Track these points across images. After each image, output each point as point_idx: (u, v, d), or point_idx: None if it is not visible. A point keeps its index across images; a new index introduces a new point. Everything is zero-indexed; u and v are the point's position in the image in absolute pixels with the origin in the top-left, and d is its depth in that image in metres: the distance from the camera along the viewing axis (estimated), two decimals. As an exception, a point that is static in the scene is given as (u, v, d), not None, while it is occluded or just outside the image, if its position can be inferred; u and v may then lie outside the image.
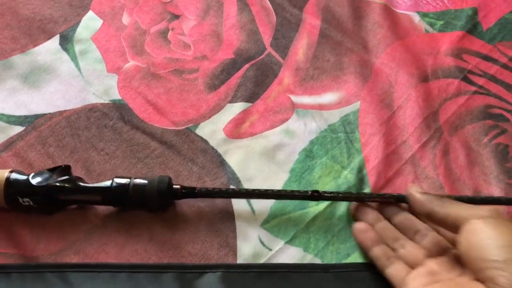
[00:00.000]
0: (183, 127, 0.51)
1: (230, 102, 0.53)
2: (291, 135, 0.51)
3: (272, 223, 0.45)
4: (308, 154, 0.50)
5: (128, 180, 0.42)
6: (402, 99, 0.55)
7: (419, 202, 0.40)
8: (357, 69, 0.57)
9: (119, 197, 0.41)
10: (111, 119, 0.51)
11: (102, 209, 0.44)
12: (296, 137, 0.51)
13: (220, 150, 0.49)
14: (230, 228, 0.44)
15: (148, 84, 0.54)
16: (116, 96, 0.53)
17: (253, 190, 0.44)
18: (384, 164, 0.50)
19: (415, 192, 0.41)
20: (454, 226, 0.36)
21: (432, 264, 0.38)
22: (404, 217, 0.42)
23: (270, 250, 0.43)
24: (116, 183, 0.42)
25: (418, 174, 0.49)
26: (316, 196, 0.43)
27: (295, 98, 0.54)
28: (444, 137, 0.52)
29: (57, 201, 0.42)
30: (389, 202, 0.44)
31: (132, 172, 0.47)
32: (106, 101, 0.52)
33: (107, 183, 0.42)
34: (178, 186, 0.42)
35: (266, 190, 0.43)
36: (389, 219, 0.43)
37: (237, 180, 0.47)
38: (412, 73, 0.57)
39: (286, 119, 0.53)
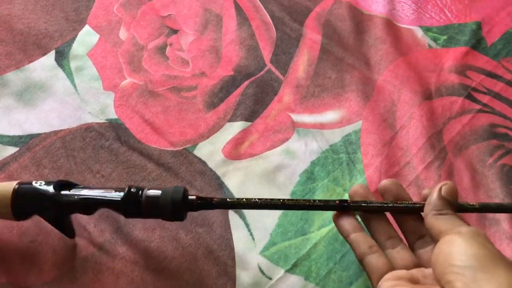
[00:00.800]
0: (181, 148, 0.50)
1: (230, 121, 0.52)
2: (291, 155, 0.50)
3: (272, 250, 0.43)
4: (309, 176, 0.49)
5: (141, 190, 0.39)
6: (405, 118, 0.54)
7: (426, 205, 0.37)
8: (359, 86, 0.56)
9: (131, 208, 0.39)
10: (107, 140, 0.49)
11: (97, 235, 0.43)
12: (296, 157, 0.50)
13: (218, 172, 0.48)
14: (229, 255, 0.43)
15: (146, 102, 0.53)
16: (113, 115, 0.51)
17: (278, 199, 0.39)
18: (387, 186, 0.48)
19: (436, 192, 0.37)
20: (435, 239, 0.34)
21: (418, 273, 0.35)
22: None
23: (270, 279, 0.42)
24: (128, 193, 0.39)
25: (423, 196, 0.48)
26: (345, 206, 0.39)
27: (296, 117, 0.53)
28: (448, 157, 0.51)
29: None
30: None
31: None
32: (102, 121, 0.51)
33: (118, 194, 0.39)
34: (193, 197, 0.39)
35: (291, 200, 0.40)
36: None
37: (236, 204, 0.46)
38: (416, 91, 0.56)
39: (287, 139, 0.51)
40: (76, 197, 0.39)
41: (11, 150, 0.48)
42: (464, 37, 0.60)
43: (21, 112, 0.51)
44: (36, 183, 0.39)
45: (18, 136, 0.49)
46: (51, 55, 0.56)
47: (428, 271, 0.35)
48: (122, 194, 0.38)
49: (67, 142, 0.49)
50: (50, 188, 0.39)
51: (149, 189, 0.39)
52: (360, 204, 0.39)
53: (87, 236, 0.43)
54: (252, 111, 0.53)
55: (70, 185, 0.40)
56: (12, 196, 0.38)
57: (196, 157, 0.49)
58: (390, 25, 0.61)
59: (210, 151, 0.49)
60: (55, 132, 0.50)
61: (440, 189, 0.37)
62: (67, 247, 0.42)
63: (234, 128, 0.51)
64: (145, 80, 0.55)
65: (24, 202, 0.39)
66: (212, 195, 0.46)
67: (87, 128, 0.50)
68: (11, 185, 0.39)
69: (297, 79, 0.56)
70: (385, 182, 0.40)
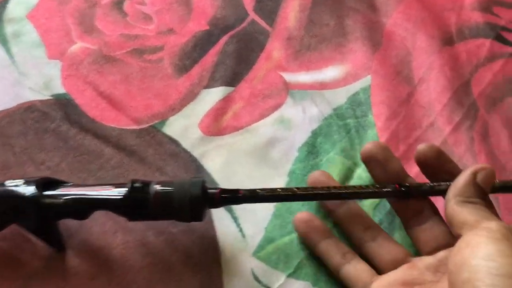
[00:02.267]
0: (147, 125, 0.39)
1: (207, 87, 0.42)
2: (287, 125, 0.40)
3: (269, 250, 0.34)
4: (311, 149, 0.39)
5: (147, 185, 0.30)
6: (423, 69, 0.44)
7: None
8: (364, 33, 0.45)
9: (135, 208, 0.30)
10: (53, 121, 0.39)
11: (42, 246, 0.33)
12: (293, 128, 0.40)
13: (195, 153, 0.38)
14: (214, 260, 0.33)
15: (100, 70, 0.42)
16: (59, 89, 0.41)
17: (323, 188, 0.31)
18: (409, 156, 0.38)
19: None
20: (456, 231, 0.27)
21: (411, 270, 0.29)
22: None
23: (268, 287, 0.32)
24: (132, 190, 0.30)
25: (453, 166, 0.38)
26: (405, 191, 0.31)
27: (289, 77, 0.43)
28: (480, 114, 0.41)
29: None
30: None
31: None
32: (47, 97, 0.41)
33: (118, 191, 0.31)
34: (215, 190, 0.31)
35: (335, 188, 0.31)
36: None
37: (220, 193, 0.36)
38: (433, 35, 0.46)
39: (279, 105, 0.41)
40: (64, 198, 0.31)
41: None
42: (487, -34, 0.49)
43: None
44: (10, 183, 0.31)
45: None
46: (-19, 19, 0.45)
47: (427, 260, 0.29)
48: (123, 191, 0.30)
49: (2, 127, 0.39)
50: (30, 189, 0.30)
51: (157, 183, 0.31)
52: (422, 188, 0.31)
53: (30, 248, 0.33)
54: (234, 73, 0.42)
55: (55, 184, 0.32)
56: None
57: (166, 135, 0.39)
58: (397, -43, 0.50)
59: (184, 127, 0.39)
60: (-13, 116, 0.39)
61: (476, 174, 0.28)
62: (6, 261, 0.33)
63: (212, 95, 0.41)
64: (99, 43, 0.44)
65: None
66: (189, 183, 0.37)
67: (28, 108, 0.40)
68: None
69: (288, 29, 0.46)
70: (368, 145, 0.32)
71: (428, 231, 0.31)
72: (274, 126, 0.40)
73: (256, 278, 0.33)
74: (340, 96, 0.42)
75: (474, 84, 0.43)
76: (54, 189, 0.31)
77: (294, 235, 0.35)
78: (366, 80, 0.43)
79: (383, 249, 0.31)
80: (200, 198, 0.30)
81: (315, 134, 0.40)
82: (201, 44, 0.44)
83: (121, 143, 0.38)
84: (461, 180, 0.28)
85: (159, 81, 0.42)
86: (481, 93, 0.43)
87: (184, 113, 0.40)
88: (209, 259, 0.33)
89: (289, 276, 0.33)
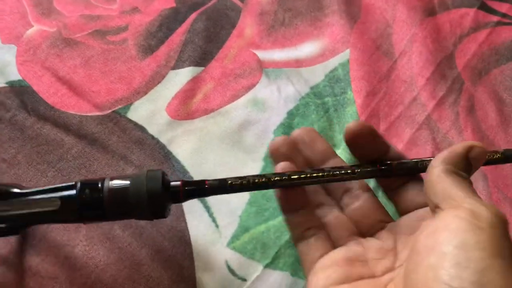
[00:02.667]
0: (110, 111, 0.37)
1: (174, 68, 0.39)
2: (261, 106, 0.37)
3: (244, 239, 0.32)
4: (287, 131, 0.36)
5: (101, 182, 0.27)
6: (404, 42, 0.41)
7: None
8: (341, 6, 0.43)
9: (88, 210, 0.26)
10: (9, 110, 0.36)
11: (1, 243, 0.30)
12: (268, 109, 0.37)
13: (163, 139, 0.35)
14: (185, 254, 0.31)
15: (60, 54, 0.39)
16: (15, 76, 0.38)
17: (302, 172, 0.27)
18: (391, 133, 0.36)
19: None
20: (433, 203, 0.24)
21: (354, 248, 0.27)
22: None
23: (244, 280, 0.30)
24: (82, 189, 0.26)
25: (439, 142, 0.36)
26: (386, 169, 0.27)
27: (263, 54, 0.40)
28: (466, 88, 0.39)
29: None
30: None
31: (41, 184, 0.33)
32: (1, 85, 0.38)
33: (68, 193, 0.27)
34: (178, 183, 0.27)
35: (313, 171, 0.28)
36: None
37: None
38: (414, 6, 0.43)
39: (253, 85, 0.39)
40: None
41: None
42: None
43: None
44: None
45: None
46: None
47: (372, 239, 0.27)
48: (73, 190, 0.26)
49: (-48, 118, 0.36)
50: None
51: (112, 179, 0.27)
52: (405, 165, 0.27)
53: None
54: (203, 52, 0.40)
55: None
56: None
57: (131, 121, 0.36)
58: None
59: (150, 111, 0.37)
60: None
61: (470, 149, 0.25)
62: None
63: (180, 77, 0.38)
64: (58, 26, 0.41)
65: None
66: (157, 171, 0.34)
67: (-19, 97, 0.37)
68: None
69: (260, 3, 0.43)
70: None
71: (360, 211, 0.28)
72: (247, 108, 0.37)
73: (231, 271, 0.30)
74: (317, 73, 0.40)
75: (458, 56, 0.41)
76: None
77: (271, 223, 0.32)
78: (344, 55, 0.40)
79: (338, 223, 0.28)
80: (160, 193, 0.26)
81: (291, 114, 0.37)
82: (168, 23, 0.41)
83: (83, 131, 0.35)
84: (455, 149, 0.25)
85: (123, 63, 0.39)
86: (466, 65, 0.41)
87: (150, 97, 0.37)
88: (180, 253, 0.31)
89: (267, 266, 0.31)
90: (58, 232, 0.31)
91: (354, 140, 0.27)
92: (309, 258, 0.27)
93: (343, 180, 0.28)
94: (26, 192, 0.27)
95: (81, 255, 0.31)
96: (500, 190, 0.34)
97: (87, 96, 0.37)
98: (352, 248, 0.26)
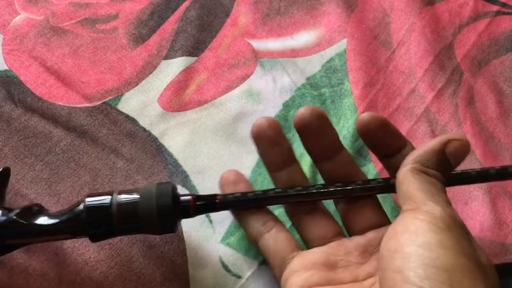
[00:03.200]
0: (100, 102, 0.35)
1: (166, 58, 0.38)
2: (256, 98, 0.36)
3: (239, 236, 0.31)
4: (283, 124, 0.35)
5: (109, 197, 0.26)
6: (402, 32, 0.40)
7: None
8: (338, -6, 0.42)
9: (98, 227, 0.26)
10: (-5, 101, 0.35)
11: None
12: (263, 100, 0.36)
13: (155, 132, 0.34)
14: (178, 250, 0.30)
15: (48, 43, 0.38)
16: (1, 65, 0.37)
17: (309, 187, 0.27)
18: (389, 126, 0.35)
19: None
20: (400, 203, 0.23)
21: (336, 249, 0.26)
22: None
23: (239, 277, 0.29)
24: (90, 206, 0.25)
25: (438, 134, 0.35)
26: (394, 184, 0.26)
27: (258, 44, 0.39)
28: (465, 79, 0.38)
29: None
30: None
31: (28, 178, 0.32)
32: (-13, 75, 0.36)
33: (75, 210, 0.26)
34: (188, 197, 0.26)
35: (328, 186, 0.27)
36: None
37: (183, 174, 0.33)
38: (413, -6, 0.42)
39: (248, 76, 0.37)
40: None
41: None
42: None
43: None
44: None
45: None
46: None
47: (356, 240, 0.26)
48: (80, 206, 0.26)
49: None
50: None
51: (120, 193, 0.26)
52: None
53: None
54: (196, 41, 0.38)
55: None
56: None
57: (122, 113, 0.35)
58: None
59: (141, 103, 0.35)
60: None
61: (447, 143, 0.24)
62: None
63: (173, 67, 0.37)
64: (46, 14, 0.39)
65: None
66: (149, 165, 0.33)
67: (-35, 88, 0.36)
68: None
69: (255, -8, 0.42)
70: (301, 110, 0.27)
71: (359, 210, 0.27)
72: (242, 99, 0.36)
73: (225, 267, 0.30)
74: (314, 64, 0.39)
75: (457, 47, 0.40)
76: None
77: (266, 218, 0.31)
78: (341, 44, 0.39)
79: (314, 223, 0.27)
80: (170, 209, 0.25)
81: (287, 106, 0.36)
82: (159, 11, 0.40)
83: (71, 123, 0.34)
84: (431, 145, 0.24)
85: (113, 53, 0.38)
86: (465, 56, 0.40)
87: (141, 88, 0.36)
88: (173, 249, 0.30)
89: (262, 263, 0.30)
90: (47, 228, 0.30)
91: (367, 132, 0.26)
92: (279, 254, 0.26)
93: (356, 194, 0.27)
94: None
95: (70, 252, 0.30)
96: (500, 184, 0.33)
97: (76, 87, 0.36)
98: (334, 251, 0.25)
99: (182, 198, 0.26)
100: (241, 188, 0.28)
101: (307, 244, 0.27)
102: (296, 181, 0.27)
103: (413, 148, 0.27)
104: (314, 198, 0.27)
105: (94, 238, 0.26)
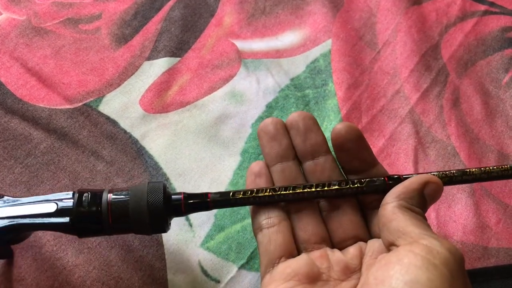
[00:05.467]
0: (81, 104, 0.35)
1: (149, 58, 0.37)
2: (239, 99, 0.36)
3: (218, 239, 0.30)
4: (265, 125, 0.35)
5: (99, 195, 0.25)
6: (388, 32, 0.40)
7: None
8: (324, -6, 0.41)
9: (85, 224, 0.25)
10: (-26, 103, 0.35)
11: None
12: (246, 102, 0.36)
13: (136, 134, 0.34)
14: (157, 254, 0.30)
15: (29, 44, 0.38)
16: (-18, 66, 0.36)
17: (301, 186, 0.26)
18: (373, 127, 0.35)
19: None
20: (387, 238, 0.23)
21: (319, 262, 0.25)
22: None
23: (218, 282, 0.29)
24: (79, 203, 0.25)
25: (422, 137, 0.35)
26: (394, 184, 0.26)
27: (242, 44, 0.39)
28: (451, 80, 0.38)
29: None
30: None
31: (7, 181, 0.32)
32: (-33, 76, 0.36)
33: (64, 204, 0.26)
34: (179, 196, 0.26)
35: (319, 185, 0.26)
36: None
37: (163, 177, 0.32)
38: (399, -7, 0.42)
39: (231, 77, 0.37)
40: None
41: None
42: None
43: None
44: None
45: None
46: None
47: (338, 255, 0.25)
48: (70, 201, 0.25)
49: None
50: None
51: (110, 192, 0.25)
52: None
53: None
54: (179, 41, 0.38)
55: None
56: None
57: (103, 114, 0.35)
58: None
59: (123, 104, 0.35)
60: None
61: (425, 185, 0.24)
62: None
63: (155, 68, 0.37)
64: (28, 14, 0.39)
65: None
66: (129, 168, 0.33)
67: None
68: None
69: (240, -9, 0.41)
70: (294, 115, 0.27)
71: (337, 220, 0.26)
72: (225, 101, 0.36)
73: (204, 272, 0.29)
74: (298, 65, 0.38)
75: (444, 47, 0.40)
76: None
77: (247, 221, 0.31)
78: (326, 45, 0.39)
79: (299, 225, 0.26)
80: (161, 208, 0.25)
81: (270, 107, 0.36)
82: (143, 11, 0.40)
83: (52, 125, 0.34)
84: (411, 184, 0.24)
85: (95, 53, 0.37)
86: (452, 56, 0.39)
87: (123, 89, 0.36)
88: (152, 253, 0.30)
89: (241, 267, 0.30)
90: (25, 231, 0.30)
91: (341, 143, 0.26)
92: (268, 256, 0.25)
93: (351, 195, 0.26)
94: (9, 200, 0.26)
95: (48, 256, 0.30)
96: (483, 187, 0.33)
97: (57, 88, 0.36)
98: (317, 262, 0.25)
99: (173, 196, 0.26)
100: (261, 182, 0.27)
101: (298, 245, 0.27)
102: (288, 177, 0.27)
103: (383, 170, 0.26)
104: (305, 197, 0.26)
105: (80, 234, 0.26)
